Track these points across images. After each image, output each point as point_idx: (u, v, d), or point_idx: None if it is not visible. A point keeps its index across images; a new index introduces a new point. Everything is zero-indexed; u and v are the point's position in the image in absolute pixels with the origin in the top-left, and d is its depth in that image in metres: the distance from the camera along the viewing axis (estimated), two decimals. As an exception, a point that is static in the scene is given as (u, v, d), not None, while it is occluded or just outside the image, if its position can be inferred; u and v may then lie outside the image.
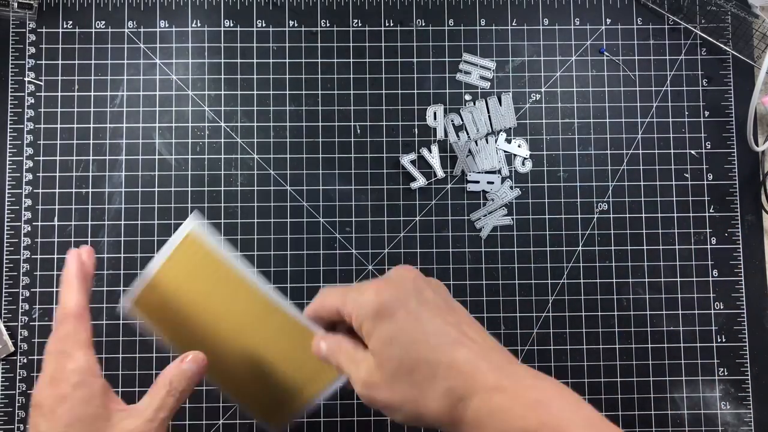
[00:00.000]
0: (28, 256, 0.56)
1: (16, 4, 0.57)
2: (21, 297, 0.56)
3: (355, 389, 0.34)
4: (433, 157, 0.58)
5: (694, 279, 0.58)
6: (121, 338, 0.56)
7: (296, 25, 0.59)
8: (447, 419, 0.30)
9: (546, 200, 0.58)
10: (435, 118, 0.59)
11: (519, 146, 0.59)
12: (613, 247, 0.58)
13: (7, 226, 0.57)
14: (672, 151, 0.59)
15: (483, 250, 0.58)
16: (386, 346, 0.32)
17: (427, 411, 0.31)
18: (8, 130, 0.57)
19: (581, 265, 0.58)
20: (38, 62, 0.58)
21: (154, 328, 0.41)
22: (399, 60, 0.59)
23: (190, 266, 0.40)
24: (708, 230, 0.59)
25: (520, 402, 0.29)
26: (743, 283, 0.58)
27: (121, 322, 0.56)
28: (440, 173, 0.58)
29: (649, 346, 0.57)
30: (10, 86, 0.58)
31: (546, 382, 0.30)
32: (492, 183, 0.58)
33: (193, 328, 0.40)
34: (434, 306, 0.33)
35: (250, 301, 0.40)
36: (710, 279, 0.58)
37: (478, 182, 0.58)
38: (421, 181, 0.58)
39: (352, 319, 0.34)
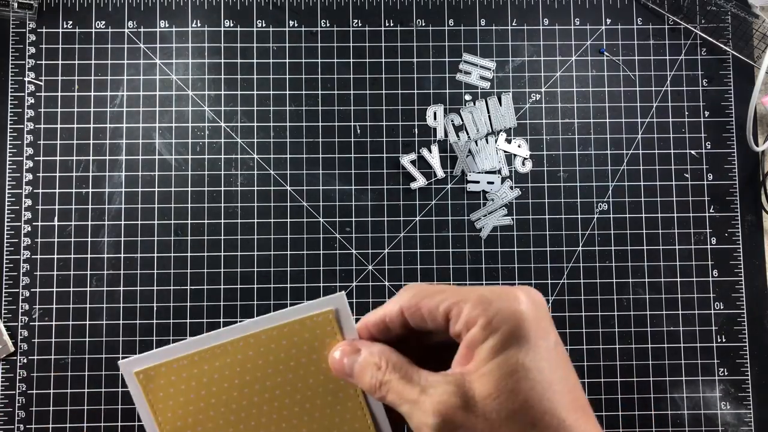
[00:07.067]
0: (28, 256, 0.56)
1: (16, 4, 0.57)
2: (21, 297, 0.56)
3: (420, 419, 0.25)
4: (433, 157, 0.58)
5: (694, 279, 0.58)
6: (121, 338, 0.56)
7: (296, 25, 0.59)
8: None
9: (546, 200, 0.58)
10: (435, 118, 0.59)
11: (519, 146, 0.59)
12: (613, 247, 0.58)
13: (7, 226, 0.57)
14: (672, 151, 0.59)
15: (483, 250, 0.58)
16: (511, 376, 0.24)
17: None
18: (8, 130, 0.57)
19: (581, 265, 0.58)
20: (38, 62, 0.58)
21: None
22: (399, 60, 0.59)
23: (298, 352, 0.31)
24: (708, 230, 0.59)
25: None
26: (743, 283, 0.58)
27: (121, 322, 0.56)
28: (440, 173, 0.58)
29: (649, 346, 0.57)
30: (10, 86, 0.58)
31: None
32: (492, 183, 0.58)
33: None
34: (566, 356, 0.26)
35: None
36: (710, 279, 0.58)
37: (478, 182, 0.58)
38: (421, 181, 0.58)
39: (474, 324, 0.25)
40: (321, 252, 0.57)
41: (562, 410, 0.24)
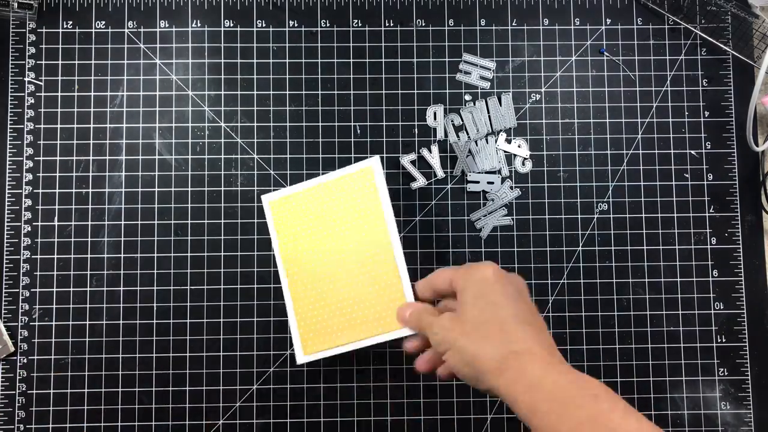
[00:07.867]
0: (28, 256, 0.56)
1: (16, 4, 0.57)
2: (21, 297, 0.56)
3: (435, 329, 0.42)
4: (433, 157, 0.58)
5: (694, 279, 0.58)
6: (121, 338, 0.56)
7: (296, 25, 0.59)
8: (495, 365, 0.38)
9: (546, 200, 0.58)
10: (435, 118, 0.59)
11: (519, 146, 0.59)
12: (613, 247, 0.58)
13: (7, 226, 0.57)
14: (672, 151, 0.59)
15: (483, 250, 0.58)
16: (476, 298, 0.41)
17: (483, 354, 0.39)
18: (8, 130, 0.57)
19: (581, 265, 0.58)
20: (38, 62, 0.58)
21: (282, 227, 0.52)
22: (399, 60, 0.59)
23: (352, 193, 0.51)
24: (708, 230, 0.59)
25: (581, 391, 0.36)
26: (743, 283, 0.58)
27: (121, 322, 0.56)
28: (440, 173, 0.58)
29: (649, 346, 0.57)
30: (10, 86, 0.58)
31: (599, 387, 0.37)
32: (492, 183, 0.58)
33: (316, 237, 0.51)
34: (515, 295, 0.42)
35: (379, 243, 0.50)
36: (710, 279, 0.58)
37: (478, 182, 0.58)
38: (421, 182, 0.58)
39: (459, 282, 0.42)
40: (321, 252, 0.57)
41: (515, 320, 0.39)
